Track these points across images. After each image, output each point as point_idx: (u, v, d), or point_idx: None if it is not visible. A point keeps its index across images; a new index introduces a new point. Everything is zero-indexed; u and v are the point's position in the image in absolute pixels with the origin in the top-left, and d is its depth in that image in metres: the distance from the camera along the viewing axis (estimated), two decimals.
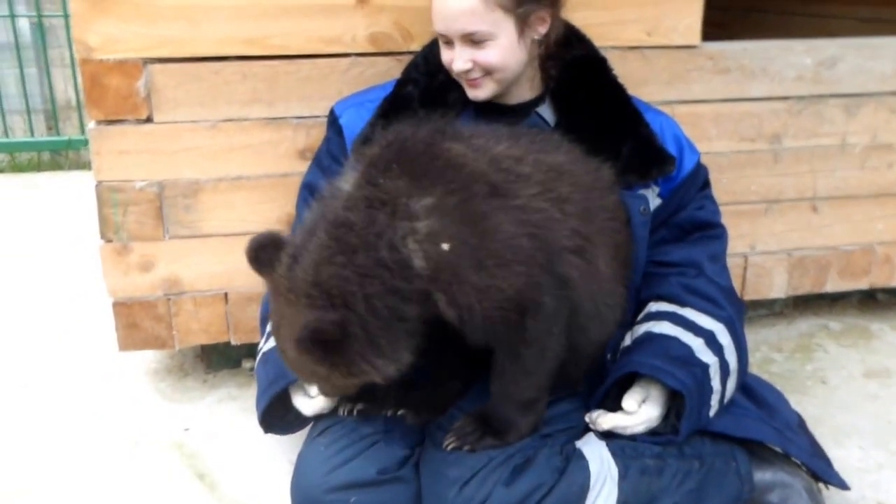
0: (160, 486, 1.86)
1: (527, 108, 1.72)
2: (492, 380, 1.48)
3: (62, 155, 4.79)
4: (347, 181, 1.37)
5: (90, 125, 1.99)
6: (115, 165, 2.00)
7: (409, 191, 1.29)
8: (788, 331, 2.59)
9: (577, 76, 1.71)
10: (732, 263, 2.27)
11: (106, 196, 2.02)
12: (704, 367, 1.54)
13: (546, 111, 1.73)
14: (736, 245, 2.28)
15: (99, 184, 2.01)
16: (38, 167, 4.72)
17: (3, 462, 1.95)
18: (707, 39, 2.16)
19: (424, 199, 1.28)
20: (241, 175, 2.04)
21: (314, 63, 1.98)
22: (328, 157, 1.80)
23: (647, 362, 1.53)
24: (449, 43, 1.62)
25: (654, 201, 1.71)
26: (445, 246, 1.26)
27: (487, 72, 1.60)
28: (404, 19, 1.97)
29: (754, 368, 2.32)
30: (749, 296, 2.44)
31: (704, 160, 1.81)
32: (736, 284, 2.33)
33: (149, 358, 2.42)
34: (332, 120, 1.82)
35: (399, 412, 1.58)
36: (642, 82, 2.09)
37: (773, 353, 2.46)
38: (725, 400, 1.60)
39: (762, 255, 2.41)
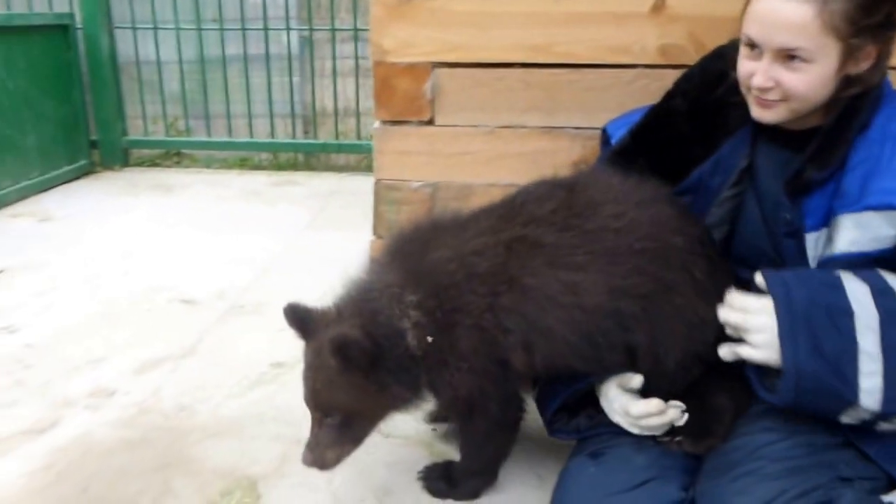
0: None
1: (809, 136, 1.48)
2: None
3: (315, 157, 5.18)
4: (367, 271, 1.63)
5: (375, 125, 2.09)
6: (394, 165, 2.08)
7: (402, 283, 1.52)
8: None
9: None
10: None
11: (383, 194, 2.11)
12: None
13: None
14: None
15: (378, 181, 2.10)
16: (295, 167, 5.14)
17: None
18: None
19: (411, 296, 1.50)
20: (513, 182, 1.99)
21: (598, 73, 1.95)
22: None
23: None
24: (753, 49, 1.43)
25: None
26: (430, 338, 1.49)
27: (786, 97, 1.42)
28: (700, 30, 1.87)
29: None
30: None
31: None
32: None
33: None
34: (605, 140, 1.79)
35: (677, 439, 1.51)
36: None
37: None
38: None
39: None
